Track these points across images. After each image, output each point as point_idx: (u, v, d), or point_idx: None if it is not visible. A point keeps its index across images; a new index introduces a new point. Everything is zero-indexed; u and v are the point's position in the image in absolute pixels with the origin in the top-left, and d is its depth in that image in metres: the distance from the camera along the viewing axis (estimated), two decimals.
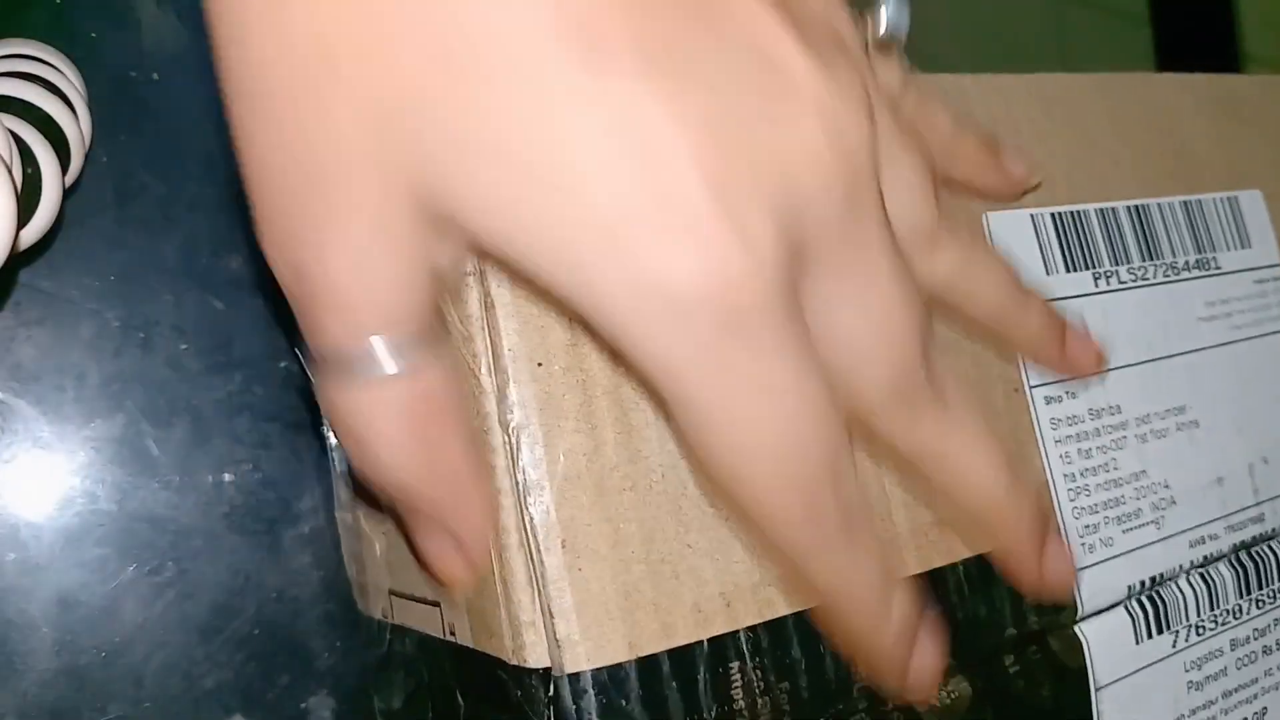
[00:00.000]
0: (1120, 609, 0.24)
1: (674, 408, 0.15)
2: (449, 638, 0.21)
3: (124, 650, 0.25)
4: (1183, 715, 0.24)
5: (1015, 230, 0.25)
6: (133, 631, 0.25)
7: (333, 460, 0.27)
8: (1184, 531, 0.25)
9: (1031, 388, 0.24)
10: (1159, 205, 0.27)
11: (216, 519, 0.26)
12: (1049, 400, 0.24)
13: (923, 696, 0.19)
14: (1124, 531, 0.24)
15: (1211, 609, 0.25)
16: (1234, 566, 0.26)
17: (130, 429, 0.25)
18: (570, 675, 0.17)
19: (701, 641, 0.19)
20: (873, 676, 0.19)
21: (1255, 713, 0.26)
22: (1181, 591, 0.25)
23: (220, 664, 0.25)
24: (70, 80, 0.23)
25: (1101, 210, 0.26)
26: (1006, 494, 0.19)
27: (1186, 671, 0.25)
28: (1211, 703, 0.25)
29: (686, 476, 0.19)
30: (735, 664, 0.19)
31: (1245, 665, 0.26)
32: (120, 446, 0.25)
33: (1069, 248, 0.25)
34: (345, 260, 0.14)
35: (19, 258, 0.21)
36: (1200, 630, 0.25)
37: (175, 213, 0.26)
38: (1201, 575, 0.25)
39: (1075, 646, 0.23)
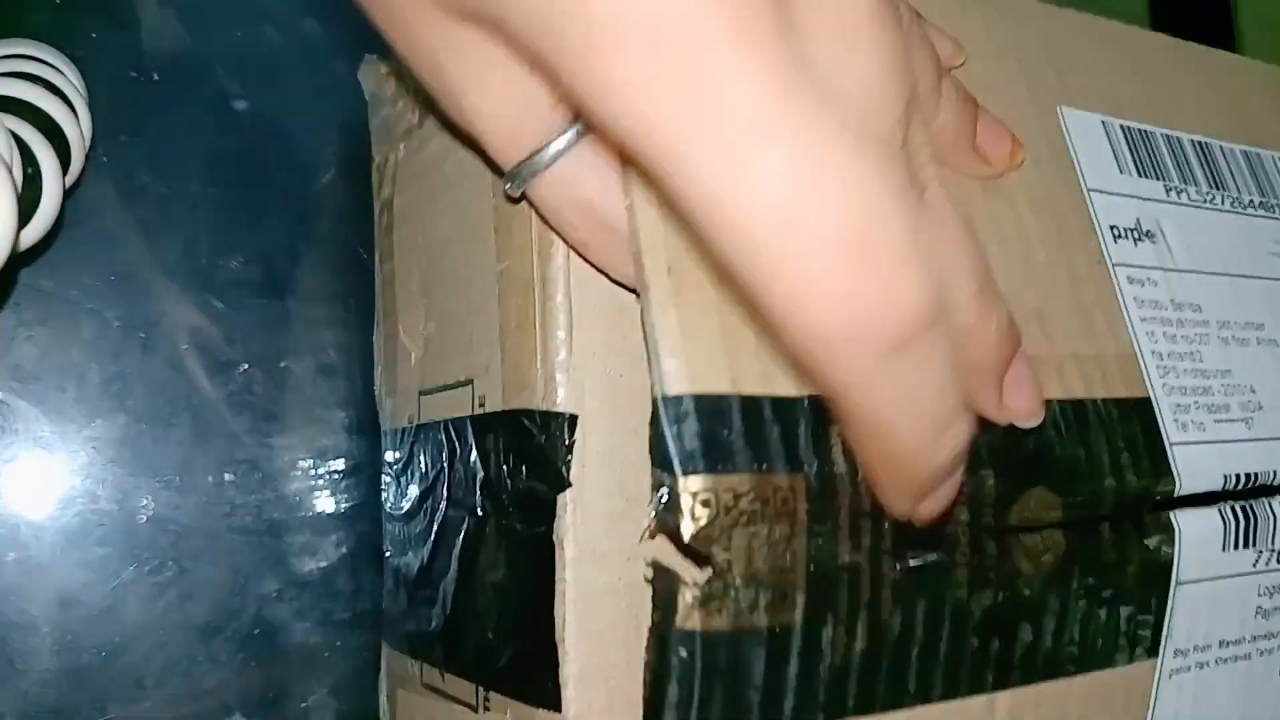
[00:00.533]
0: (1215, 511, 0.23)
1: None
2: (479, 410, 0.21)
3: (124, 650, 0.25)
4: (1243, 639, 0.24)
5: (1086, 130, 0.25)
6: (133, 631, 0.25)
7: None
8: (1275, 439, 0.25)
9: (1114, 265, 0.24)
10: (1222, 146, 0.28)
11: (216, 519, 0.26)
12: (1131, 281, 0.24)
13: (926, 518, 0.18)
14: (1215, 421, 0.24)
15: None
16: None
17: (130, 429, 0.25)
18: (671, 398, 0.17)
19: (802, 398, 0.18)
20: (884, 494, 0.18)
21: None
22: (1273, 512, 0.24)
23: (220, 664, 0.25)
24: (70, 80, 0.23)
25: (1168, 135, 0.27)
26: (976, 302, 0.17)
27: (1259, 596, 0.24)
28: (1273, 635, 0.25)
29: None
30: (836, 428, 0.18)
31: None
32: (120, 446, 0.25)
33: (1139, 157, 0.26)
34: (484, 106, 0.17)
35: (19, 258, 0.21)
36: None
37: (175, 213, 0.26)
38: None
39: (1169, 535, 0.23)
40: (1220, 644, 0.24)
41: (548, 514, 0.18)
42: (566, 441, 0.18)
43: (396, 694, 0.26)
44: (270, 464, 0.27)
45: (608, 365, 0.19)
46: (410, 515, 0.25)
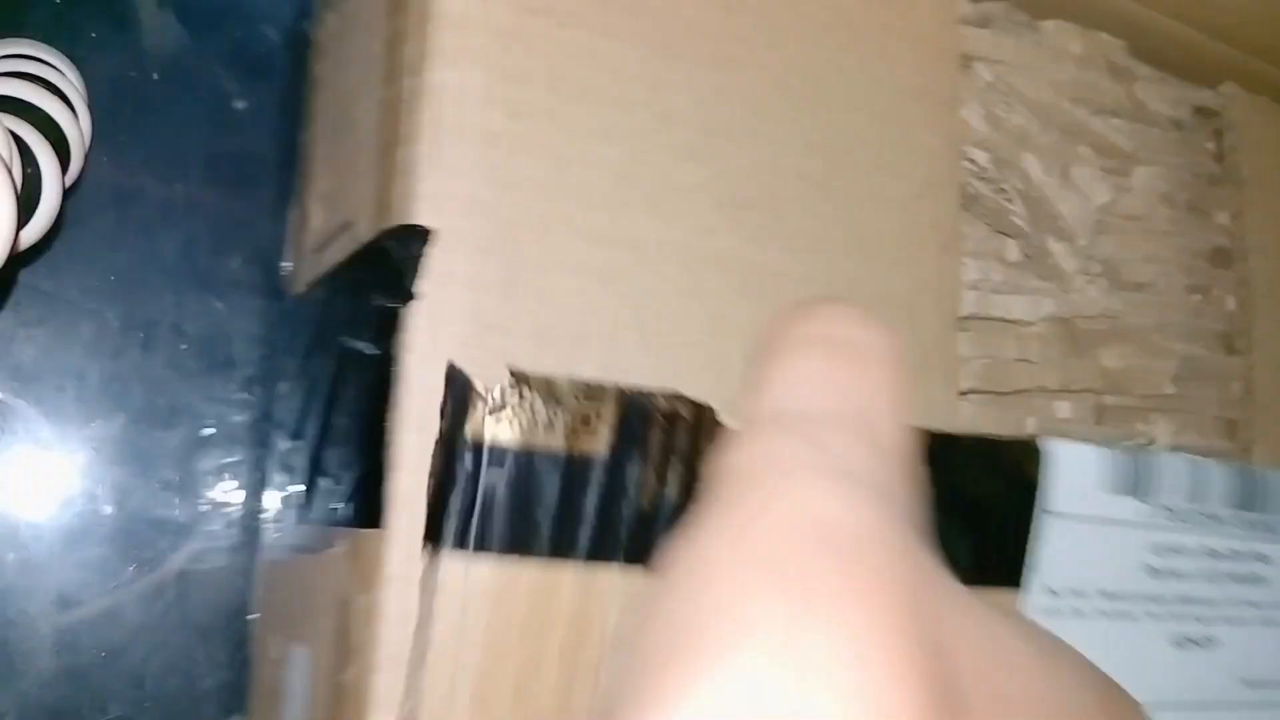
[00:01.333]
0: (1094, 448, 0.22)
1: None
2: (360, 245, 0.20)
3: (124, 650, 0.25)
4: (1129, 595, 0.22)
5: None
6: (133, 632, 0.25)
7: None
8: None
9: None
10: None
11: (216, 519, 0.26)
12: None
13: None
14: None
15: (1190, 501, 0.23)
16: (1233, 477, 0.24)
17: (130, 429, 0.25)
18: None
19: None
20: None
21: (1205, 637, 0.24)
22: (1164, 467, 0.23)
23: (220, 664, 0.25)
24: (70, 80, 0.23)
25: None
26: None
27: (1149, 554, 0.23)
28: (1164, 599, 0.23)
29: None
30: None
31: (1210, 581, 0.23)
32: (120, 446, 0.25)
33: None
34: None
35: (19, 258, 0.21)
36: (1171, 514, 0.23)
37: (175, 213, 0.26)
38: (1193, 461, 0.23)
39: (1035, 459, 0.21)
40: (1101, 594, 0.22)
41: (394, 330, 0.17)
42: (417, 254, 0.17)
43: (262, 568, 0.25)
44: (270, 464, 0.27)
45: (475, 188, 0.18)
46: (295, 414, 0.24)
